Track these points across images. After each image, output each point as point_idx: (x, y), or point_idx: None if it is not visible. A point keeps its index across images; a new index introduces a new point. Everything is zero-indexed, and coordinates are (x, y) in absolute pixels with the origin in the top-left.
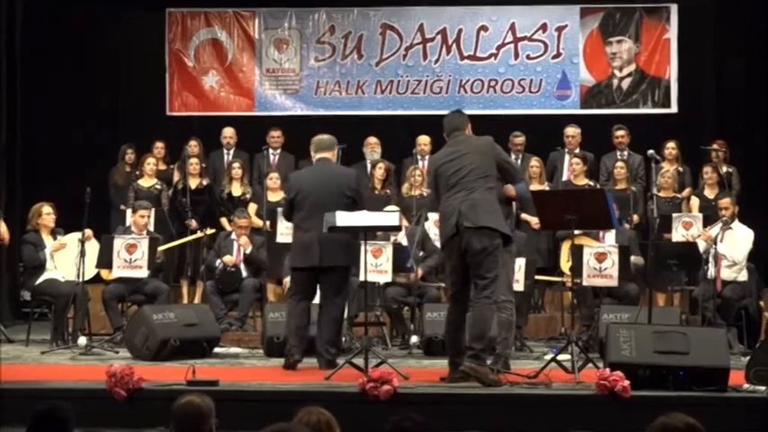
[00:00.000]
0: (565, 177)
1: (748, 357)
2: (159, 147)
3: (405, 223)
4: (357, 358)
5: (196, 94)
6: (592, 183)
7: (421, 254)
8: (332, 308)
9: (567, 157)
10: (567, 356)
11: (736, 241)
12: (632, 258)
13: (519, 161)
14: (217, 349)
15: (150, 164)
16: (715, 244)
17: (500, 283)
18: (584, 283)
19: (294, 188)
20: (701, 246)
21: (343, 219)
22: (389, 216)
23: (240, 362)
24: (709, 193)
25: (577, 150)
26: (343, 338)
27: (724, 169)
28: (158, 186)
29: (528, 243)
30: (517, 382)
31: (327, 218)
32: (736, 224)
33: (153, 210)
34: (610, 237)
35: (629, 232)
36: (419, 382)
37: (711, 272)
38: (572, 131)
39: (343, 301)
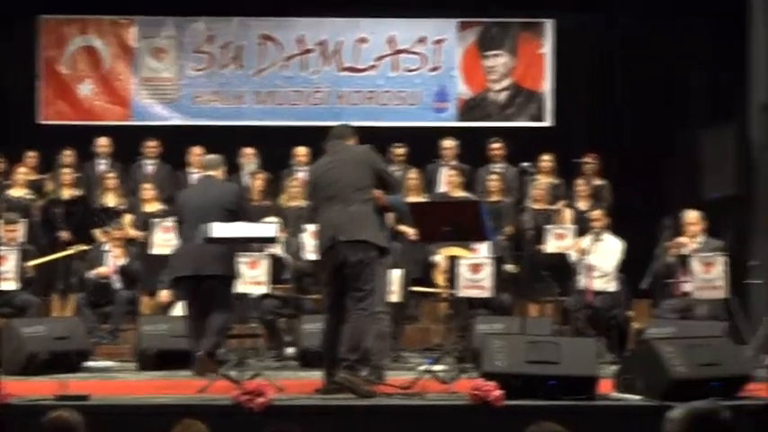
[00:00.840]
0: (442, 189)
1: (617, 366)
2: (31, 156)
3: (283, 234)
4: (232, 370)
5: (70, 103)
6: (467, 194)
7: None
8: (213, 319)
9: (443, 170)
10: (442, 367)
11: (607, 252)
12: (506, 266)
13: (399, 173)
14: (88, 363)
15: (21, 173)
16: (587, 255)
17: (376, 294)
18: (460, 294)
19: (179, 205)
20: (573, 257)
21: (218, 230)
22: (266, 227)
23: (113, 375)
24: (582, 205)
25: (454, 162)
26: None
27: (596, 182)
28: (29, 196)
29: (404, 254)
30: (392, 393)
31: (202, 229)
32: (607, 236)
33: (24, 221)
34: (484, 248)
35: (502, 243)
36: (294, 393)
37: (583, 282)
38: (448, 144)
39: (225, 312)
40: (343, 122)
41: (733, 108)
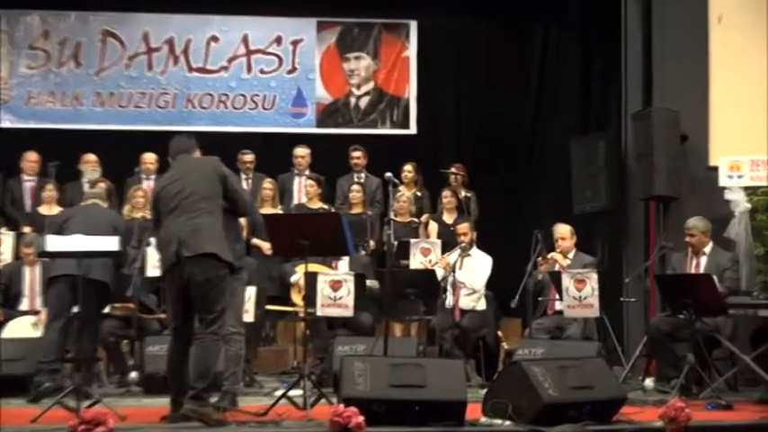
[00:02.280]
0: (296, 200)
1: (486, 390)
2: None
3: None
4: (68, 398)
5: None
6: (326, 206)
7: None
8: (90, 325)
9: (297, 179)
10: (299, 392)
11: (475, 268)
12: (368, 282)
13: (248, 181)
14: None
15: None
16: (453, 271)
17: (228, 313)
18: (319, 313)
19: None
20: (440, 273)
21: (54, 243)
22: (108, 240)
23: None
24: (448, 217)
25: (308, 172)
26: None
27: (463, 193)
28: None
29: (259, 270)
30: (245, 421)
31: (37, 241)
32: (475, 251)
33: None
34: (344, 264)
35: (364, 259)
36: (138, 422)
37: (450, 300)
38: (301, 152)
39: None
40: (184, 134)
41: (604, 118)
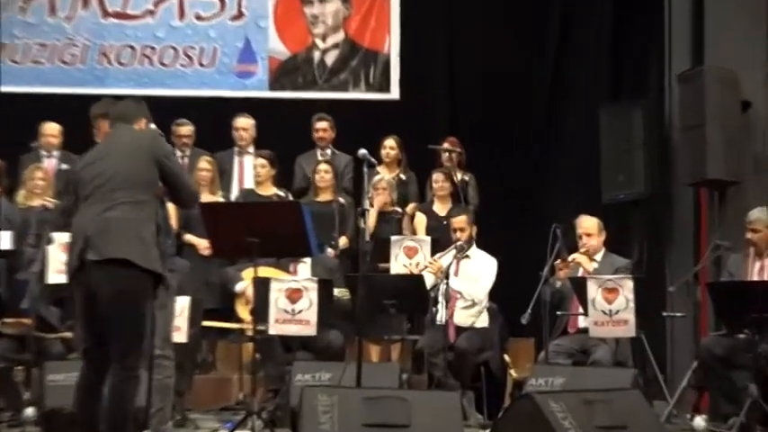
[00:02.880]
0: (237, 185)
1: (489, 430)
2: None
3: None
4: None
5: None
6: (282, 193)
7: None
8: None
9: (238, 159)
10: None
11: (475, 274)
12: (336, 291)
13: (185, 159)
14: None
15: None
16: (447, 277)
17: (150, 337)
18: (272, 331)
19: None
20: (429, 280)
21: None
22: None
23: None
24: (440, 208)
25: (252, 149)
26: None
27: (459, 176)
28: None
29: (194, 275)
30: None
31: None
32: (475, 251)
33: None
34: (305, 268)
35: (331, 261)
36: None
37: (442, 315)
38: (243, 123)
39: None
40: (134, 98)
41: (642, 81)
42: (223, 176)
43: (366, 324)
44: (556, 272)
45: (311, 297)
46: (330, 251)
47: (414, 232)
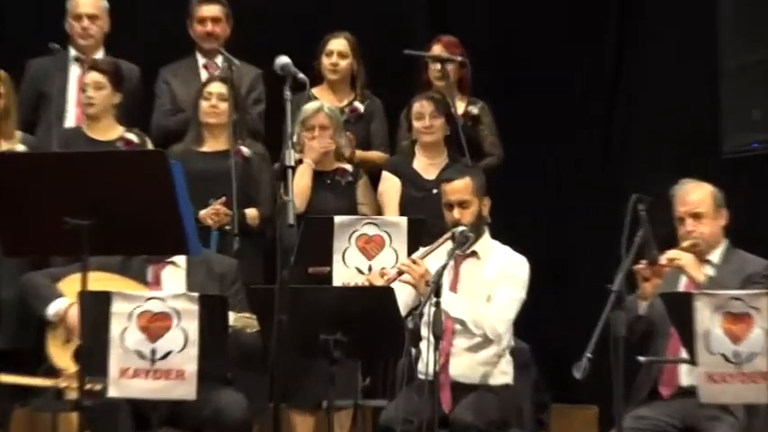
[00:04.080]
0: (73, 120)
1: None
2: None
3: None
4: None
5: None
6: (133, 136)
7: None
8: None
9: (75, 69)
10: None
11: (490, 286)
12: (233, 319)
13: None
14: None
15: None
16: (438, 293)
17: None
18: (114, 393)
19: None
20: (404, 297)
21: None
22: None
23: None
24: (426, 165)
25: (101, 53)
26: None
27: (460, 108)
28: None
29: None
30: None
31: None
32: (488, 244)
33: None
34: (175, 275)
35: (225, 262)
36: None
37: (428, 362)
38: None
39: None
40: None
41: None
42: (42, 105)
43: (289, 378)
44: (638, 283)
45: (187, 329)
46: (219, 241)
47: (378, 209)
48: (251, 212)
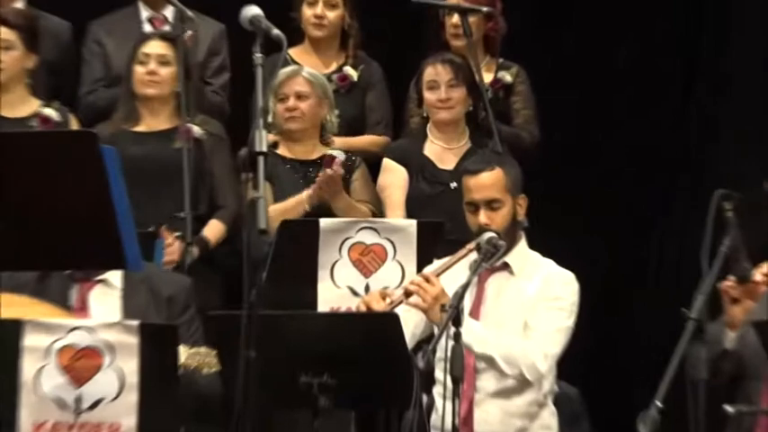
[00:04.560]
0: None
1: None
2: None
3: None
4: None
5: None
6: (53, 112)
7: None
8: None
9: None
10: None
11: (526, 312)
12: (184, 356)
13: None
14: None
15: None
16: (458, 321)
17: None
18: None
19: None
20: (412, 326)
21: None
22: None
23: None
24: (442, 153)
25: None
26: None
27: (488, 74)
28: None
29: None
30: None
31: None
32: (525, 256)
33: None
34: (107, 297)
35: (175, 281)
36: None
37: (446, 412)
38: None
39: None
40: None
41: None
42: None
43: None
44: (724, 308)
45: (123, 369)
46: (172, 250)
47: (379, 210)
48: (213, 230)
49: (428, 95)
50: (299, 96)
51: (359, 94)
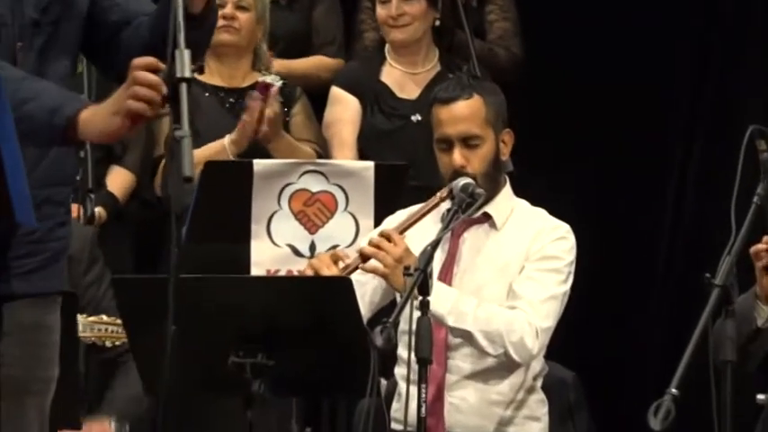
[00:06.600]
0: None
1: None
2: None
3: None
4: None
5: None
6: None
7: None
8: None
9: None
10: None
11: (512, 272)
12: (82, 325)
13: None
14: None
15: None
16: (425, 290)
17: None
18: None
19: None
20: (368, 293)
21: None
22: None
23: None
24: (402, 79)
25: None
26: None
27: None
28: None
29: None
30: None
31: None
32: (509, 201)
33: None
34: None
35: (81, 234)
36: None
37: (413, 397)
38: None
39: None
40: None
41: None
42: None
43: (180, 426)
44: (755, 277)
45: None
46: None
47: (324, 151)
48: (117, 179)
49: (379, 10)
50: (239, 7)
51: (304, 5)
